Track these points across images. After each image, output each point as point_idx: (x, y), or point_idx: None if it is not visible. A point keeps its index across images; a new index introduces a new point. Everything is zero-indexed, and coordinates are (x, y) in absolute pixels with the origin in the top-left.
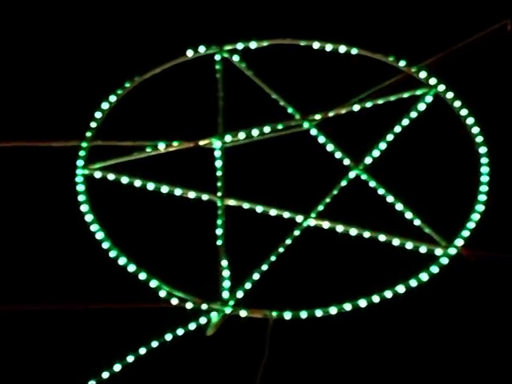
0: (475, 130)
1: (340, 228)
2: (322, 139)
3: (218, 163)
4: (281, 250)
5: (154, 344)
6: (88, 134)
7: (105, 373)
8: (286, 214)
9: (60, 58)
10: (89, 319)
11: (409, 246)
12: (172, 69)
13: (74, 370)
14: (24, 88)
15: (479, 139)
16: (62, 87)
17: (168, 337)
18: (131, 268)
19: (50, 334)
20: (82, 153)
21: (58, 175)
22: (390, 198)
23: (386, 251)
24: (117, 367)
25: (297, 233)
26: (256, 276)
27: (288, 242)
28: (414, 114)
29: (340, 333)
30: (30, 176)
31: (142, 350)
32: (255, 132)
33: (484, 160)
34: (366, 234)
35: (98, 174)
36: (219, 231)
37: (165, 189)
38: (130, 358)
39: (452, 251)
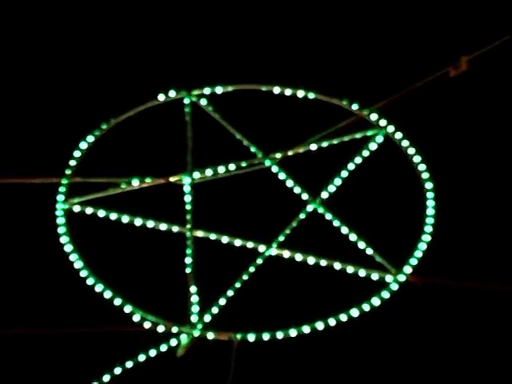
0: (422, 167)
1: (299, 257)
2: (282, 176)
3: (188, 198)
4: (245, 277)
5: (129, 364)
6: (67, 172)
7: None
8: (250, 244)
9: (40, 101)
10: (66, 342)
11: (361, 273)
12: (144, 111)
13: None
14: (6, 128)
15: (425, 175)
16: (42, 127)
17: (141, 357)
18: (107, 294)
19: (29, 356)
20: (61, 189)
21: (39, 210)
22: (344, 229)
23: (341, 278)
24: None
25: (259, 261)
26: (222, 301)
27: (251, 269)
28: (365, 153)
29: (299, 353)
30: (12, 210)
31: (118, 370)
32: (221, 169)
33: (430, 194)
34: (323, 263)
35: (76, 208)
36: (188, 260)
37: (138, 221)
38: (106, 378)
39: (401, 278)
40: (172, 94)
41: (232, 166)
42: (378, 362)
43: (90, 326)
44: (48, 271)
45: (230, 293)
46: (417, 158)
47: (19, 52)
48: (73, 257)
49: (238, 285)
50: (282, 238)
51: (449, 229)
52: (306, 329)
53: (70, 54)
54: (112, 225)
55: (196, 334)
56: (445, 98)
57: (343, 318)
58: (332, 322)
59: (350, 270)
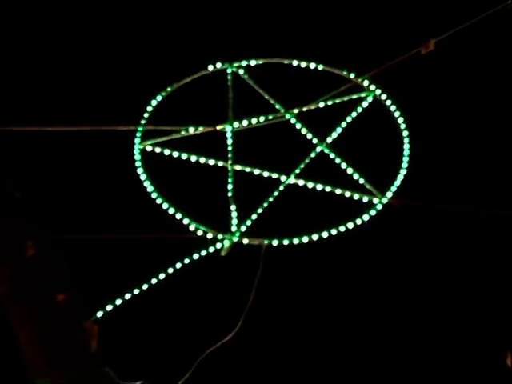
0: (400, 120)
1: (310, 184)
2: (298, 126)
3: (229, 141)
4: (271, 199)
5: (186, 261)
6: (142, 122)
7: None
8: (274, 175)
9: (126, 66)
10: (137, 247)
11: (356, 196)
12: (199, 78)
13: (114, 285)
14: (96, 83)
15: (403, 126)
16: (125, 87)
17: (195, 256)
18: (171, 210)
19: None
20: (138, 134)
21: (123, 149)
22: (343, 165)
23: (341, 201)
24: (160, 276)
25: (281, 188)
26: (254, 216)
27: (275, 193)
28: (359, 110)
29: (311, 256)
30: (103, 148)
31: (178, 264)
32: (254, 120)
33: (406, 140)
34: (327, 189)
35: (149, 148)
36: (230, 186)
37: (193, 158)
38: (170, 270)
39: (384, 200)
40: (218, 65)
41: (262, 118)
42: (368, 264)
43: (157, 233)
44: (128, 194)
45: (260, 210)
46: (397, 113)
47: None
48: (146, 183)
49: (265, 204)
50: (297, 171)
51: (421, 165)
52: (315, 236)
53: (148, 30)
54: (175, 160)
55: (235, 239)
56: (420, 69)
57: (342, 228)
58: (333, 232)
59: (347, 194)
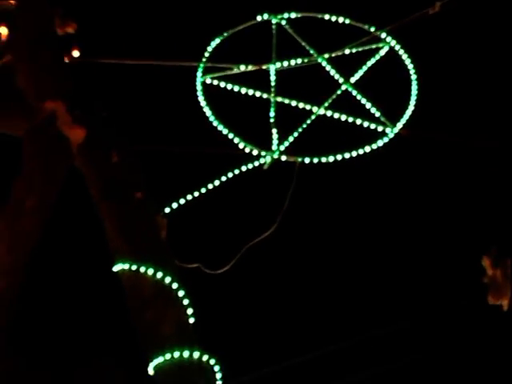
0: (410, 66)
1: (336, 115)
2: (328, 67)
3: (272, 78)
4: (304, 125)
5: (237, 171)
6: (203, 59)
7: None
8: (307, 106)
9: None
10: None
11: (372, 126)
12: (249, 27)
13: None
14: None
15: (412, 71)
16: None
17: (243, 168)
18: (225, 131)
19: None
20: (200, 69)
21: (189, 80)
22: (363, 100)
23: (360, 130)
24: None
25: (313, 117)
26: (290, 139)
27: (308, 122)
28: (378, 57)
29: (335, 172)
30: (170, 79)
31: (230, 174)
32: (292, 62)
33: (414, 83)
34: (350, 119)
35: (208, 81)
36: (272, 114)
37: (243, 90)
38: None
39: (395, 130)
40: (265, 16)
41: (299, 61)
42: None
43: (215, 148)
44: (192, 118)
45: (296, 134)
46: (408, 61)
47: None
48: (205, 109)
49: (300, 130)
50: (326, 104)
51: (426, 104)
52: (339, 156)
53: None
54: (229, 91)
55: (275, 156)
56: (427, 26)
57: (361, 151)
58: (354, 153)
59: (365, 124)
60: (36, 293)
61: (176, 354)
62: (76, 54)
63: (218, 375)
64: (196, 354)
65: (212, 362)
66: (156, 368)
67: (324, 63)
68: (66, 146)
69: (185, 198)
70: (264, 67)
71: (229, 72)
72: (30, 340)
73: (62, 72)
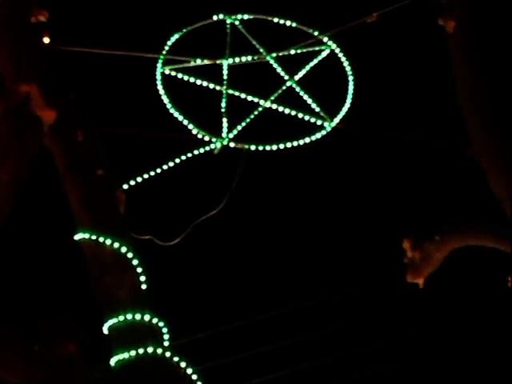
0: (348, 67)
1: (281, 109)
2: (275, 65)
3: (225, 72)
4: (252, 116)
5: (189, 154)
6: (164, 52)
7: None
8: (255, 99)
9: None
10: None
11: (312, 120)
12: (205, 25)
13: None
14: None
15: (348, 68)
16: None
17: (196, 152)
18: (180, 118)
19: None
20: (160, 60)
21: (148, 71)
22: (305, 96)
23: (301, 123)
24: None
25: (260, 109)
26: (239, 127)
27: (256, 112)
28: (320, 58)
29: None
30: (134, 67)
31: (183, 157)
32: (243, 59)
33: (351, 83)
34: (293, 113)
35: (167, 71)
36: (223, 104)
37: (198, 81)
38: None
39: (333, 124)
40: (221, 16)
41: (249, 58)
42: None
43: (170, 133)
44: (151, 103)
45: (243, 124)
46: (346, 63)
47: None
48: (164, 97)
49: (248, 120)
50: (272, 98)
51: (361, 102)
52: (281, 145)
53: None
54: (186, 83)
55: (225, 142)
56: (365, 32)
57: (302, 142)
58: (295, 143)
59: (306, 117)
60: (7, 257)
61: (129, 316)
62: (47, 40)
63: (166, 336)
64: (147, 317)
65: (161, 324)
66: (110, 328)
67: (272, 61)
68: (38, 126)
69: (142, 177)
70: (218, 62)
71: (186, 65)
72: None
73: (37, 57)
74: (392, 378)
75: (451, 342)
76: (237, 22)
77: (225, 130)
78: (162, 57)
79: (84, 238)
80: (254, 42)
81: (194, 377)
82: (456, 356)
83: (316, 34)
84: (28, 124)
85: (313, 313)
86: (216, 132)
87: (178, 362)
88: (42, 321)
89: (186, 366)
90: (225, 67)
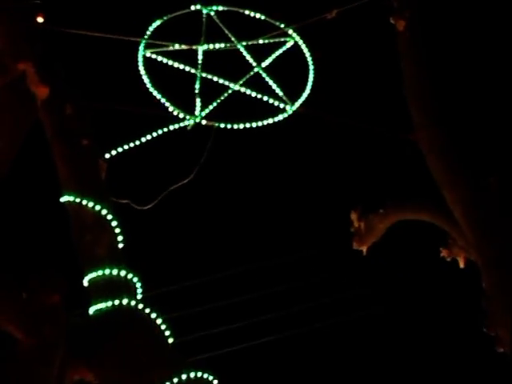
0: (309, 58)
1: (248, 91)
2: (245, 53)
3: (200, 56)
4: (222, 98)
5: (165, 129)
6: (145, 37)
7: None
8: (226, 82)
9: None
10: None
11: (276, 103)
12: (184, 14)
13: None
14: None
15: (309, 59)
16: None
17: (171, 128)
18: (159, 96)
19: None
20: (142, 44)
21: (130, 52)
22: (271, 82)
23: (265, 106)
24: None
25: (229, 91)
26: (210, 107)
27: (225, 94)
28: (284, 48)
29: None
30: (116, 50)
31: (156, 133)
32: (217, 46)
33: (312, 71)
34: (258, 96)
35: (148, 54)
36: (197, 86)
37: (176, 64)
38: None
39: (294, 107)
40: (198, 7)
41: (222, 45)
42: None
43: (148, 108)
44: (132, 83)
45: (214, 104)
46: (307, 52)
47: None
48: (144, 77)
49: (218, 101)
50: (241, 82)
51: (320, 88)
52: (248, 124)
53: None
54: (165, 65)
55: (197, 120)
56: (326, 27)
57: (265, 122)
58: (259, 123)
59: (271, 101)
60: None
61: (107, 271)
62: (40, 20)
63: (139, 290)
64: (122, 272)
65: (135, 279)
66: (90, 281)
67: (242, 49)
68: (33, 101)
69: (123, 148)
70: (194, 47)
71: (165, 49)
72: None
73: (32, 37)
74: (335, 331)
75: (388, 301)
76: (212, 13)
77: (198, 108)
78: (143, 41)
79: (69, 201)
80: (226, 31)
81: (163, 326)
82: (392, 313)
83: (282, 26)
84: (24, 99)
85: (273, 271)
86: (190, 110)
87: (149, 313)
88: (31, 273)
89: (156, 317)
90: (200, 53)
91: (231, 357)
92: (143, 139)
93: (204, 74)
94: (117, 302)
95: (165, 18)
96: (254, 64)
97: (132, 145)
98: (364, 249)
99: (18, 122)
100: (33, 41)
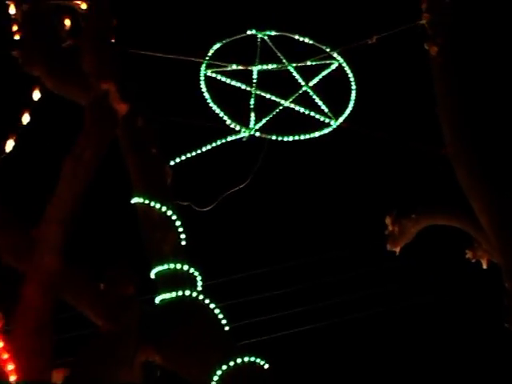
0: (352, 78)
1: (297, 107)
2: (295, 73)
3: (255, 76)
4: (277, 110)
5: (223, 140)
6: (207, 58)
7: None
8: (273, 97)
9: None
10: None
11: (321, 118)
12: (241, 38)
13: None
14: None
15: (352, 79)
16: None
17: (229, 139)
18: (218, 111)
19: None
20: (204, 64)
21: (193, 73)
22: (317, 99)
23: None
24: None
25: (280, 108)
26: (263, 121)
27: (277, 111)
28: (330, 69)
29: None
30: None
31: (215, 143)
32: (270, 66)
33: (353, 86)
34: (306, 111)
35: (209, 73)
36: (252, 102)
37: (234, 82)
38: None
39: (337, 122)
40: (253, 31)
41: (274, 66)
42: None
43: (208, 121)
44: (193, 97)
45: (267, 118)
46: (350, 74)
47: None
48: (206, 94)
49: (271, 115)
50: (291, 99)
51: (362, 106)
52: (296, 137)
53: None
54: (224, 83)
55: (252, 132)
56: (367, 51)
57: (312, 135)
58: (307, 136)
59: (317, 116)
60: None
61: (171, 266)
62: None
63: (200, 283)
64: (185, 267)
65: (196, 273)
66: (156, 274)
67: (292, 70)
68: (114, 116)
69: (186, 156)
70: (249, 68)
71: (224, 69)
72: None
73: (114, 58)
74: (371, 322)
75: (419, 297)
76: (265, 37)
77: (252, 122)
78: (205, 62)
79: (139, 202)
80: (278, 54)
81: (220, 316)
82: (422, 308)
83: (328, 50)
84: (107, 114)
85: (316, 267)
86: (245, 123)
87: (208, 304)
88: (108, 267)
89: (215, 307)
90: (254, 72)
91: (275, 343)
92: (204, 149)
93: (258, 92)
94: (180, 292)
95: (224, 41)
96: (303, 83)
97: (194, 154)
98: (397, 250)
99: (102, 135)
100: (113, 61)
